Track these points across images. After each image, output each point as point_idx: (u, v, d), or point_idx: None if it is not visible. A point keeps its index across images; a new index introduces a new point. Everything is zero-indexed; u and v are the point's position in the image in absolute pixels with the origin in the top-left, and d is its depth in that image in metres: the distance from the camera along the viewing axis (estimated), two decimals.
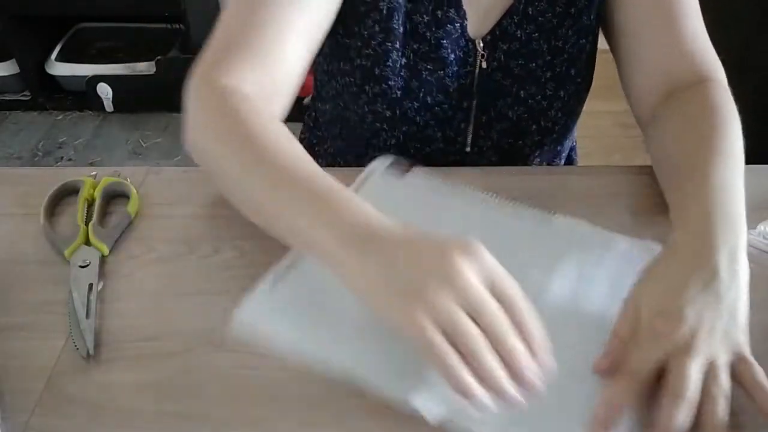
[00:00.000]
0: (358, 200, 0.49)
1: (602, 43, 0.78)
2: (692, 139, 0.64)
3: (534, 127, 0.79)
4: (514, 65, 0.74)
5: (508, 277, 0.45)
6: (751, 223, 0.64)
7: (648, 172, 0.74)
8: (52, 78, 2.18)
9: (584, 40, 0.75)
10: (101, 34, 2.32)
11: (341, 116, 0.80)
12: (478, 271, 0.44)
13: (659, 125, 0.70)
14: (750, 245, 0.63)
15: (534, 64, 0.74)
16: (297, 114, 0.93)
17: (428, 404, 0.45)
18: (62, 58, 2.17)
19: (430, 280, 0.43)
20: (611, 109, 0.95)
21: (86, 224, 0.63)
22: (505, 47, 0.73)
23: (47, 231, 0.62)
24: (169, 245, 0.62)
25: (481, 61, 0.73)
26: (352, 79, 0.75)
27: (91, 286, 0.57)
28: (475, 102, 0.76)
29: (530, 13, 0.71)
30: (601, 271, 0.57)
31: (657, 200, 0.69)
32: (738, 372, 0.48)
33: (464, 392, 0.42)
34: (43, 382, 0.50)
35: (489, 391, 0.42)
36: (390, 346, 0.48)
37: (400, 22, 0.69)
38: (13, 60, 2.16)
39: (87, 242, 0.61)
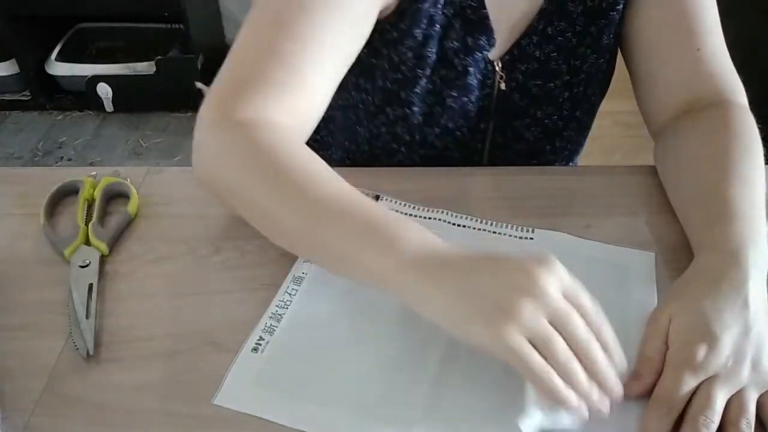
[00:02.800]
0: (415, 225, 0.49)
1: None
2: (713, 162, 0.62)
3: (548, 147, 0.79)
4: (532, 85, 0.73)
5: (583, 289, 0.46)
6: None
7: (647, 172, 0.74)
8: (52, 78, 2.18)
9: (602, 60, 0.74)
10: (101, 34, 2.32)
11: (351, 129, 0.79)
12: (559, 284, 0.44)
13: (675, 139, 0.68)
14: None
15: (552, 84, 0.73)
16: None
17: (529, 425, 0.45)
18: (62, 58, 2.17)
19: (516, 295, 0.43)
20: (611, 109, 0.94)
21: (86, 224, 0.63)
22: (523, 68, 0.72)
23: (47, 231, 0.62)
24: (169, 245, 0.62)
25: (499, 83, 0.73)
26: (371, 98, 0.73)
27: (91, 286, 0.56)
28: (492, 123, 0.75)
29: (549, 32, 0.71)
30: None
31: (657, 200, 0.69)
32: (763, 404, 0.47)
33: (562, 400, 0.43)
34: (43, 382, 0.50)
35: (580, 399, 0.43)
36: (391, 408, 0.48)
37: (434, 50, 0.68)
38: (13, 60, 2.16)
39: (87, 242, 0.61)
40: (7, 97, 2.23)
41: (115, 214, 0.65)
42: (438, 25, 0.67)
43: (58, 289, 0.57)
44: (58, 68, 2.15)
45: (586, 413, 0.43)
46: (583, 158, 0.95)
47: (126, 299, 0.57)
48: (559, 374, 0.43)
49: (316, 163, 0.54)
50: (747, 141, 0.63)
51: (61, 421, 0.47)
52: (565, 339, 0.43)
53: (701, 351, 0.47)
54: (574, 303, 0.44)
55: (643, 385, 0.48)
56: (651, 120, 0.74)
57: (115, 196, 0.67)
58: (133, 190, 0.66)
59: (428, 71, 0.69)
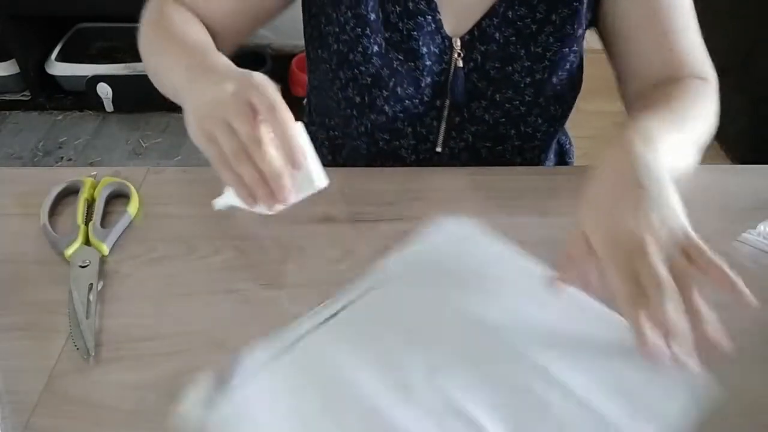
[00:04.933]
0: (218, 53, 0.62)
1: (600, 42, 0.78)
2: (661, 109, 0.66)
3: (513, 132, 0.79)
4: (491, 67, 0.74)
5: (269, 86, 0.53)
6: (751, 223, 0.64)
7: None
8: (52, 78, 2.18)
9: (567, 49, 0.74)
10: (101, 34, 2.32)
11: (323, 104, 0.81)
12: (246, 94, 0.52)
13: (639, 105, 0.72)
14: (750, 245, 0.63)
15: (511, 68, 0.74)
16: (297, 114, 0.93)
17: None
18: (62, 58, 2.17)
19: (207, 104, 0.54)
20: (610, 109, 0.95)
21: (86, 224, 0.63)
22: (482, 48, 0.73)
23: (47, 231, 0.62)
24: (169, 245, 0.62)
25: (456, 60, 0.73)
26: (328, 65, 0.76)
27: (91, 286, 0.57)
28: (448, 101, 0.76)
29: (509, 16, 0.71)
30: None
31: None
32: (692, 257, 0.51)
33: (233, 185, 0.53)
34: (43, 382, 0.50)
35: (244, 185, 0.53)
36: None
37: (369, 8, 0.70)
38: (13, 60, 2.16)
39: (87, 242, 0.61)
40: (7, 97, 2.23)
41: (115, 214, 0.65)
42: None
43: (58, 289, 0.57)
44: (58, 68, 2.15)
45: (251, 202, 0.53)
46: (582, 158, 0.95)
47: (126, 299, 0.57)
48: (232, 166, 0.52)
49: (187, 24, 0.70)
50: (700, 107, 0.70)
51: (61, 421, 0.47)
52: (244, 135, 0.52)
53: (623, 239, 0.52)
54: (255, 102, 0.52)
55: (562, 276, 0.54)
56: (629, 107, 0.76)
57: (115, 196, 0.67)
58: (133, 190, 0.66)
59: (368, 31, 0.71)
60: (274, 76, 0.99)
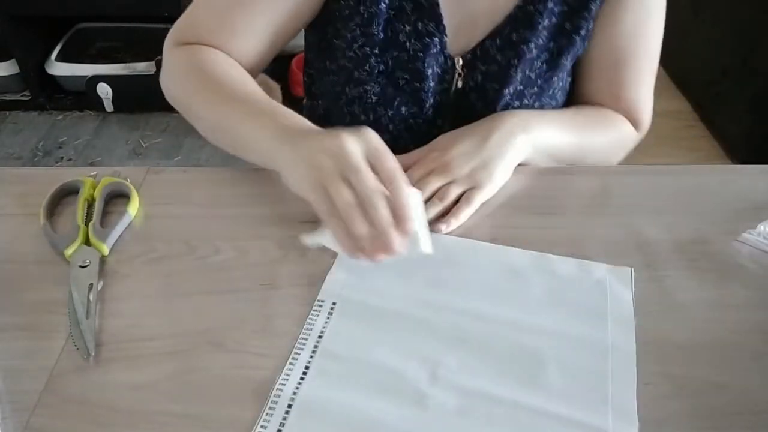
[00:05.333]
0: (291, 112, 0.62)
1: None
2: (568, 110, 0.79)
3: None
4: (490, 88, 0.74)
5: (388, 153, 0.53)
6: (751, 223, 0.65)
7: (648, 172, 0.74)
8: (52, 78, 2.18)
9: (556, 77, 0.76)
10: (101, 34, 2.32)
11: (328, 116, 0.81)
12: (361, 146, 0.53)
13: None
14: (750, 245, 0.63)
15: (506, 91, 0.74)
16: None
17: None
18: (62, 58, 2.17)
19: (321, 153, 0.53)
20: None
21: (86, 224, 0.63)
22: (483, 68, 0.73)
23: (47, 231, 0.62)
24: (169, 245, 0.62)
25: (457, 80, 0.74)
26: (336, 79, 0.76)
27: (91, 286, 0.57)
28: (449, 121, 0.76)
29: (513, 39, 0.72)
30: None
31: (658, 200, 0.69)
32: (466, 197, 0.65)
33: (344, 246, 0.53)
34: (43, 382, 0.50)
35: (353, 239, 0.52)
36: None
37: (380, 28, 0.70)
38: (13, 60, 2.16)
39: (87, 242, 0.61)
40: (7, 97, 2.23)
41: (115, 214, 0.65)
42: (384, 4, 0.69)
43: (58, 289, 0.57)
44: (58, 68, 2.15)
45: (356, 256, 0.53)
46: None
47: (126, 299, 0.57)
48: (342, 218, 0.51)
49: (234, 71, 0.69)
50: (608, 131, 0.79)
51: (61, 421, 0.47)
52: (354, 192, 0.51)
53: (434, 153, 0.68)
54: (374, 164, 0.53)
55: None
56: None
57: (115, 196, 0.67)
58: (133, 190, 0.66)
59: (377, 50, 0.71)
60: (273, 76, 0.99)
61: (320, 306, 0.56)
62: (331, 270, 0.59)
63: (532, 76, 0.74)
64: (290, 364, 0.51)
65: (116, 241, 0.62)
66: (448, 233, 0.63)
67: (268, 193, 0.67)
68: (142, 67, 2.12)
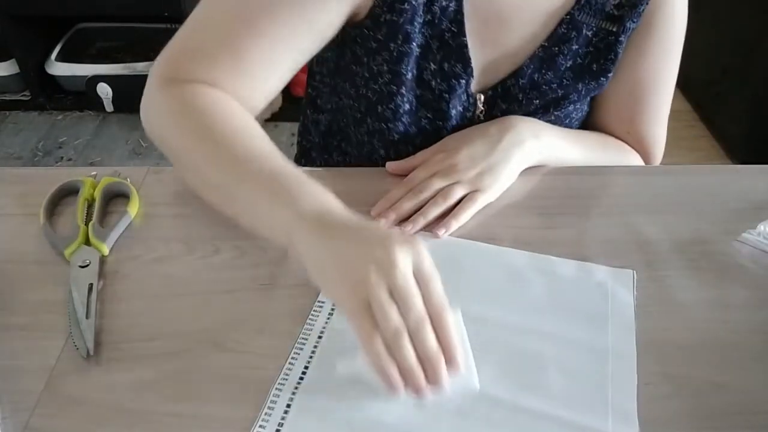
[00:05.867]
0: (317, 185, 0.51)
1: None
2: (590, 133, 0.79)
3: None
4: None
5: (437, 276, 0.46)
6: (751, 223, 0.65)
7: (647, 172, 0.74)
8: (52, 78, 2.18)
9: (575, 107, 0.76)
10: (101, 34, 2.32)
11: (343, 131, 0.79)
12: (410, 262, 0.46)
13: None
14: (750, 245, 0.63)
15: None
16: (296, 114, 0.93)
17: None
18: (62, 58, 2.17)
19: (368, 264, 0.45)
20: None
21: (86, 224, 0.63)
22: (504, 107, 0.73)
23: (47, 231, 0.62)
24: (169, 245, 0.62)
25: (479, 116, 0.73)
26: (356, 105, 0.74)
27: (91, 286, 0.57)
28: None
29: (536, 79, 0.71)
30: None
31: (658, 200, 0.69)
32: (468, 198, 0.65)
33: (379, 368, 0.44)
34: (43, 382, 0.50)
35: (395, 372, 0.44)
36: None
37: (409, 68, 0.68)
38: (13, 60, 2.16)
39: (87, 242, 0.61)
40: (7, 97, 2.23)
41: (115, 214, 0.65)
42: (415, 44, 0.67)
43: (58, 289, 0.57)
44: (58, 68, 2.15)
45: (399, 388, 0.44)
46: None
47: (126, 299, 0.57)
48: (385, 344, 0.44)
49: (240, 120, 0.57)
50: (617, 155, 0.78)
51: (61, 421, 0.47)
52: (402, 315, 0.44)
53: (440, 155, 0.68)
54: (421, 284, 0.46)
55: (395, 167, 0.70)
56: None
57: (115, 196, 0.67)
58: (133, 190, 0.66)
59: (404, 89, 0.69)
60: None
61: (321, 306, 0.56)
62: None
63: (560, 114, 0.74)
64: (290, 363, 0.51)
65: (116, 241, 0.62)
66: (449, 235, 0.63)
67: None
68: (142, 67, 2.12)
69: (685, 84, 2.24)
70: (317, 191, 0.51)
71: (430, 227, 0.63)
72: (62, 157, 2.05)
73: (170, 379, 0.50)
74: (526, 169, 0.71)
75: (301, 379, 0.50)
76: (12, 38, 2.09)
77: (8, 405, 0.48)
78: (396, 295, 0.44)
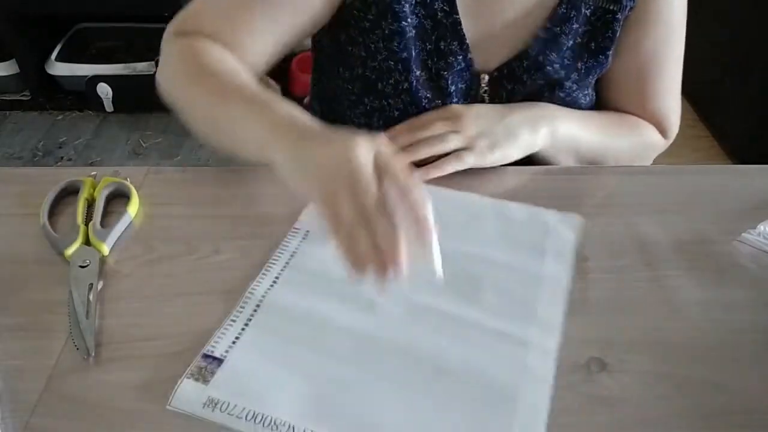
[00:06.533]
0: (288, 104, 0.57)
1: None
2: (607, 115, 0.79)
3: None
4: None
5: (396, 161, 0.49)
6: (751, 223, 0.65)
7: (648, 172, 0.74)
8: (52, 78, 2.18)
9: (582, 94, 0.76)
10: (101, 34, 2.32)
11: (338, 120, 0.80)
12: (372, 157, 0.48)
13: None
14: (750, 245, 0.63)
15: None
16: None
17: None
18: (62, 58, 2.17)
19: (328, 162, 0.49)
20: None
21: (86, 224, 0.63)
22: (509, 87, 0.73)
23: (47, 231, 0.62)
24: (169, 245, 0.62)
25: (483, 97, 0.74)
26: (350, 87, 0.75)
27: (91, 286, 0.57)
28: None
29: (540, 60, 0.72)
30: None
31: (658, 200, 0.69)
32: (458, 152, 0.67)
33: (347, 264, 0.46)
34: (43, 382, 0.50)
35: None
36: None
37: (401, 46, 0.69)
38: (13, 60, 2.16)
39: (87, 242, 0.61)
40: (7, 97, 2.23)
41: (115, 214, 0.65)
42: (405, 23, 0.68)
43: (58, 289, 0.57)
44: (58, 68, 2.15)
45: (361, 270, 0.46)
46: None
47: (126, 299, 0.57)
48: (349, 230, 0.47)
49: (233, 64, 0.65)
50: (633, 135, 0.79)
51: (61, 421, 0.47)
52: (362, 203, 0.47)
53: (451, 107, 0.70)
54: (386, 174, 0.48)
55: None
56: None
57: (115, 196, 0.67)
58: (133, 190, 0.66)
59: (400, 67, 0.70)
60: (274, 76, 0.99)
61: (295, 232, 0.62)
62: (309, 205, 0.63)
63: (562, 95, 0.75)
64: (262, 274, 0.58)
65: (116, 241, 0.62)
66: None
67: (269, 193, 0.67)
68: (142, 67, 2.12)
69: (685, 84, 2.23)
70: (289, 107, 0.56)
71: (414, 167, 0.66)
72: (62, 157, 2.05)
73: (170, 379, 0.50)
74: (528, 169, 0.71)
75: (271, 286, 0.57)
76: (12, 38, 2.09)
77: (8, 405, 0.48)
78: (354, 185, 0.47)
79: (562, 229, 0.63)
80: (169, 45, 0.69)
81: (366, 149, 0.48)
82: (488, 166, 0.68)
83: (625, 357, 0.52)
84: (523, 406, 0.48)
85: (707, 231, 0.65)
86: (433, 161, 0.67)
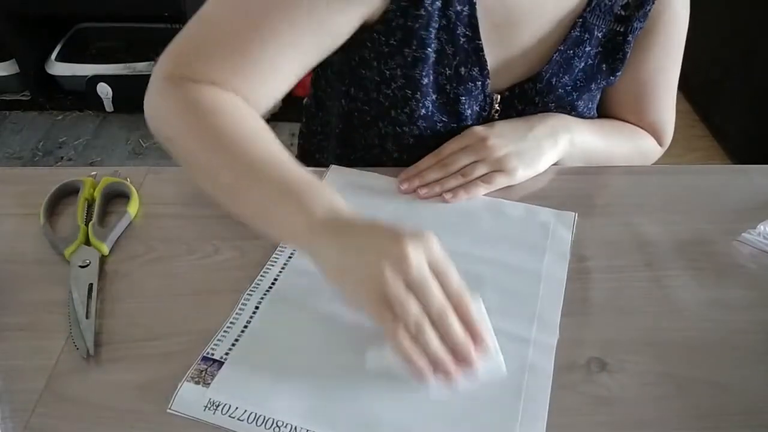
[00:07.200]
0: (328, 189, 0.52)
1: None
2: (610, 121, 0.80)
3: None
4: None
5: (451, 265, 0.48)
6: (751, 223, 0.65)
7: (648, 172, 0.74)
8: (52, 78, 2.18)
9: (587, 108, 0.77)
10: (101, 34, 2.32)
11: (347, 136, 0.79)
12: (424, 255, 0.47)
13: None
14: (750, 245, 0.63)
15: None
16: (296, 114, 0.93)
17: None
18: (62, 58, 2.17)
19: (382, 260, 0.46)
20: None
21: (86, 224, 0.63)
22: (519, 107, 0.74)
23: (47, 231, 0.62)
24: (169, 245, 0.62)
25: (494, 116, 0.74)
26: (366, 108, 0.73)
27: (91, 286, 0.57)
28: None
29: (553, 83, 0.72)
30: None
31: (658, 200, 0.69)
32: (489, 176, 0.68)
33: (406, 358, 0.46)
34: (43, 382, 0.50)
35: (431, 365, 0.46)
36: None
37: (424, 73, 0.67)
38: (13, 60, 2.16)
39: (87, 242, 0.61)
40: (7, 97, 2.23)
41: (115, 214, 0.65)
42: (430, 49, 0.66)
43: (58, 289, 0.57)
44: (58, 68, 2.15)
45: (428, 375, 0.46)
46: None
47: (126, 299, 0.57)
48: (411, 336, 0.45)
49: (251, 123, 0.57)
50: (633, 140, 0.80)
51: (61, 421, 0.47)
52: (423, 305, 0.46)
53: (472, 130, 0.70)
54: (438, 275, 0.47)
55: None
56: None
57: (115, 196, 0.67)
58: (133, 190, 0.66)
59: (419, 94, 0.69)
60: None
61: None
62: None
63: (573, 114, 0.75)
64: (261, 277, 0.58)
65: (116, 241, 0.62)
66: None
67: None
68: (142, 67, 2.12)
69: (685, 84, 2.23)
70: (327, 195, 0.51)
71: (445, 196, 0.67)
72: (62, 157, 2.05)
73: (170, 379, 0.50)
74: None
75: (271, 286, 0.57)
76: (12, 38, 2.09)
77: (8, 405, 0.48)
78: (413, 286, 0.46)
79: (560, 228, 0.64)
80: (166, 92, 0.59)
81: (419, 248, 0.46)
82: (517, 183, 0.69)
83: (625, 357, 0.52)
84: (525, 404, 0.48)
85: (707, 231, 0.65)
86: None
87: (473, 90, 0.70)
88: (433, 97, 0.70)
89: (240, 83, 0.59)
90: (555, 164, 0.72)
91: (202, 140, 0.56)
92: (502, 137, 0.69)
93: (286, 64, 0.61)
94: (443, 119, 0.71)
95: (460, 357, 0.46)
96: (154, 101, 0.60)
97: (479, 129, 0.70)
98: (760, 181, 0.72)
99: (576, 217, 0.65)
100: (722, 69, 2.07)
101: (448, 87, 0.69)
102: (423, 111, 0.70)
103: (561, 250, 0.61)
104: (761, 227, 0.63)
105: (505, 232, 0.64)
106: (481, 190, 0.67)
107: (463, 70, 0.68)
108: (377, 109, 0.72)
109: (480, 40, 0.67)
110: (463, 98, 0.70)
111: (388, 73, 0.68)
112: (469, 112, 0.71)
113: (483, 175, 0.68)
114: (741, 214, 0.66)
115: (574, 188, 0.71)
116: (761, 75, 1.89)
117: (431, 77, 0.68)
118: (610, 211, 0.68)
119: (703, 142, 2.08)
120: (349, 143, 0.79)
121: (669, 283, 0.59)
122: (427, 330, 0.46)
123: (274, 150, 0.55)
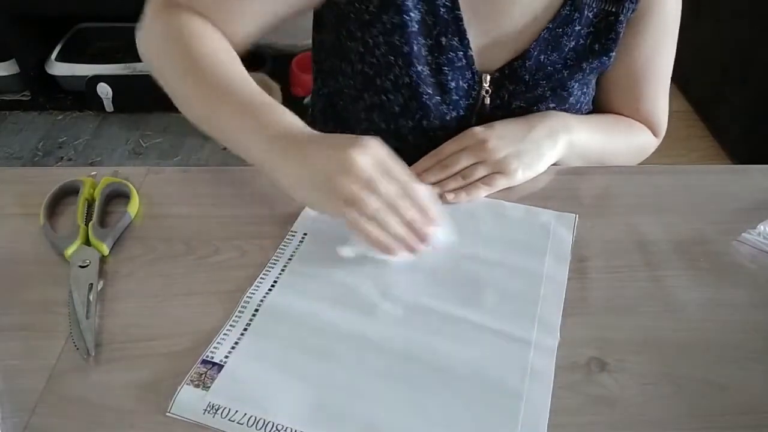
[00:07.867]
0: (285, 110, 0.60)
1: None
2: (606, 117, 0.81)
3: None
4: (516, 107, 0.74)
5: (395, 162, 0.56)
6: (751, 223, 0.65)
7: (648, 172, 0.74)
8: (52, 78, 2.18)
9: (582, 92, 0.77)
10: (101, 34, 2.32)
11: (340, 116, 0.80)
12: (370, 159, 0.54)
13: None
14: (750, 245, 0.63)
15: (535, 108, 0.75)
16: (296, 114, 0.93)
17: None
18: (62, 58, 2.17)
19: (337, 170, 0.54)
20: None
21: (86, 224, 0.63)
22: (511, 87, 0.74)
23: (47, 231, 0.62)
24: (169, 245, 0.62)
25: (485, 97, 0.74)
26: (352, 82, 0.75)
27: (91, 286, 0.57)
28: None
29: (542, 60, 0.72)
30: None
31: (658, 200, 0.69)
32: (489, 177, 0.68)
33: (374, 242, 0.55)
34: (43, 382, 0.50)
35: (396, 243, 0.56)
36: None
37: (404, 41, 0.69)
38: (13, 60, 2.16)
39: (87, 242, 0.61)
40: (7, 97, 2.23)
41: (115, 214, 0.65)
42: (408, 17, 0.68)
43: (58, 289, 0.57)
44: (58, 68, 2.15)
45: (395, 249, 0.56)
46: None
47: (126, 299, 0.57)
48: (378, 223, 0.54)
49: (224, 54, 0.65)
50: (631, 135, 0.81)
51: (61, 421, 0.47)
52: (378, 197, 0.54)
53: (471, 131, 0.70)
54: (386, 171, 0.55)
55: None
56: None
57: (115, 196, 0.67)
58: (133, 190, 0.66)
59: (401, 62, 0.70)
60: (274, 76, 0.99)
61: (293, 236, 0.62)
62: (306, 208, 0.64)
63: (565, 94, 0.75)
64: (260, 279, 0.58)
65: (116, 241, 0.62)
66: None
67: (268, 193, 0.67)
68: (142, 67, 2.10)
69: (685, 84, 2.24)
70: (282, 113, 0.59)
71: (444, 197, 0.67)
72: (62, 157, 2.05)
73: (170, 379, 0.50)
74: None
75: (269, 290, 0.57)
76: (12, 38, 2.09)
77: (8, 405, 0.48)
78: (366, 185, 0.53)
79: (560, 230, 0.64)
80: (155, 18, 0.69)
81: (364, 155, 0.54)
82: (518, 184, 0.69)
83: (625, 357, 0.52)
84: (527, 405, 0.48)
85: (707, 231, 0.65)
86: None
87: (455, 61, 0.71)
88: (418, 68, 0.71)
89: (215, 14, 0.67)
90: (555, 164, 0.73)
91: (180, 67, 0.64)
92: (502, 139, 0.69)
93: (259, 8, 0.69)
94: (428, 91, 0.72)
95: (418, 232, 0.56)
96: (144, 28, 0.70)
97: (479, 130, 0.70)
98: (760, 181, 0.72)
99: (577, 219, 0.65)
100: (722, 69, 2.07)
101: (430, 58, 0.71)
102: (407, 80, 0.71)
103: (562, 252, 0.61)
104: (761, 227, 0.63)
105: (505, 233, 0.64)
106: (482, 192, 0.67)
107: (444, 40, 0.70)
108: (363, 78, 0.74)
109: (459, 10, 0.68)
110: (446, 68, 0.71)
111: (371, 41, 0.70)
112: (453, 85, 0.72)
113: (483, 177, 0.68)
114: (741, 214, 0.66)
115: (574, 188, 0.71)
116: (761, 75, 1.89)
117: (413, 47, 0.70)
118: (610, 211, 0.68)
119: (703, 142, 2.08)
120: (338, 121, 0.81)
121: (669, 283, 0.59)
122: (385, 216, 0.54)
123: (238, 75, 0.63)
